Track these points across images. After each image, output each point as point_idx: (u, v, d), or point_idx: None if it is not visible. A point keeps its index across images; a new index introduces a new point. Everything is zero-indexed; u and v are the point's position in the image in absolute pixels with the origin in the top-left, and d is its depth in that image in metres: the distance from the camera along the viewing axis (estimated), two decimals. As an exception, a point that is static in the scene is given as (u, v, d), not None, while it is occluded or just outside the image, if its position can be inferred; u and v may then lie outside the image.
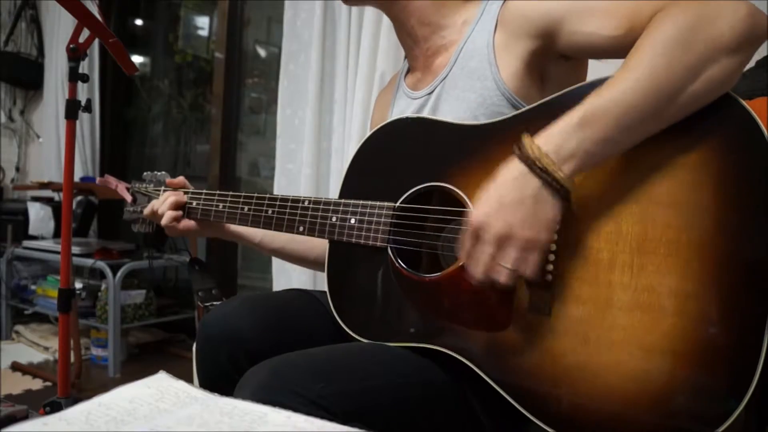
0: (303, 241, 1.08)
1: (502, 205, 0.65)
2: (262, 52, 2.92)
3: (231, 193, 1.01)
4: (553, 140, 0.64)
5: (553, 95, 0.73)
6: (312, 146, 1.92)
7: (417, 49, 0.96)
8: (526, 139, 0.65)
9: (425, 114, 0.92)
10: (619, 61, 0.72)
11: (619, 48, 0.72)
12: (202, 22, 3.27)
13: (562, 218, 0.68)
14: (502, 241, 0.65)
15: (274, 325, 0.90)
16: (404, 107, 0.97)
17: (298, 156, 1.99)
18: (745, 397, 0.57)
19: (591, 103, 0.64)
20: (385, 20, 1.74)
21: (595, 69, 0.84)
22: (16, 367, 2.45)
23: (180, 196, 1.06)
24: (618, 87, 0.64)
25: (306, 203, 0.91)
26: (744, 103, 0.63)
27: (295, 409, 0.46)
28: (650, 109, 0.63)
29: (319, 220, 0.89)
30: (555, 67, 0.83)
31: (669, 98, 0.63)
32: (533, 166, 0.64)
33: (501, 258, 0.66)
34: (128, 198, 1.16)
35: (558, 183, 0.64)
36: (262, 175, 2.82)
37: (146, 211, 1.08)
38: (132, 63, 1.52)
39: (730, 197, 0.62)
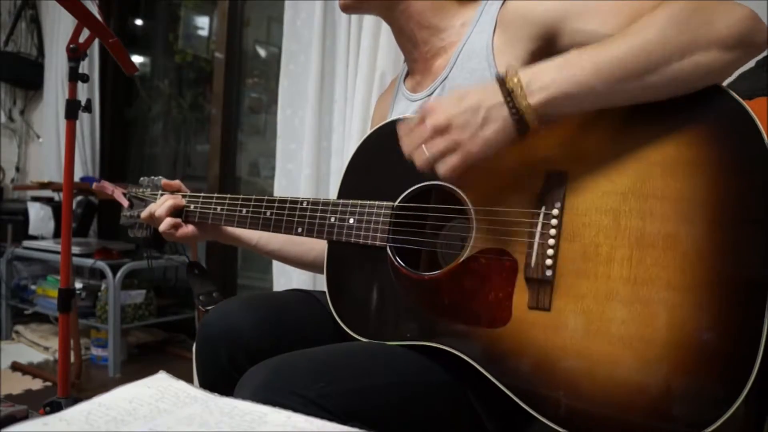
0: (300, 242, 1.08)
1: (456, 103, 0.68)
2: (262, 52, 2.92)
3: (229, 195, 1.01)
4: (530, 71, 0.67)
5: None
6: (312, 146, 1.92)
7: (416, 52, 0.96)
8: (508, 67, 0.68)
9: None
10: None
11: None
12: (202, 22, 3.27)
13: (561, 213, 0.69)
14: (436, 130, 0.68)
15: (274, 325, 0.90)
16: (404, 109, 0.97)
17: (298, 156, 1.99)
18: (744, 389, 0.58)
19: (575, 50, 0.67)
20: (385, 20, 1.74)
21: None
22: (16, 367, 2.45)
23: (178, 200, 1.05)
24: (606, 42, 0.66)
25: (304, 204, 0.91)
26: (740, 99, 0.64)
27: (295, 409, 0.46)
28: (632, 70, 0.65)
29: (317, 221, 0.89)
30: None
31: (653, 67, 0.64)
32: (502, 84, 0.66)
33: (427, 144, 0.68)
34: (125, 203, 1.15)
35: (517, 109, 0.65)
36: (262, 175, 2.82)
37: (144, 214, 1.07)
38: (132, 63, 1.52)
39: (728, 191, 0.63)
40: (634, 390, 0.63)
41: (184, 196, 1.07)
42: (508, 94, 0.66)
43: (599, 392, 0.65)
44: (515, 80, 0.66)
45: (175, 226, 1.04)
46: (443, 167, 0.68)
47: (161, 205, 1.05)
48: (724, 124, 0.64)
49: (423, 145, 0.69)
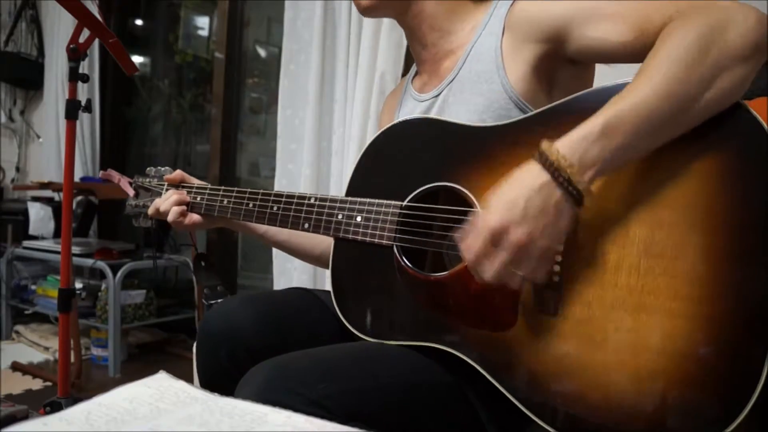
0: (308, 236, 1.07)
1: (526, 213, 0.63)
2: (262, 52, 2.92)
3: (236, 189, 1.01)
4: (576, 148, 0.63)
5: (561, 100, 0.73)
6: (312, 146, 1.91)
7: (425, 54, 0.96)
8: (548, 146, 0.64)
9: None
10: (626, 66, 0.72)
11: (628, 53, 0.72)
12: (202, 22, 3.27)
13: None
14: (522, 249, 0.64)
15: (275, 324, 0.90)
16: (411, 110, 0.97)
17: (298, 156, 1.99)
18: (751, 400, 0.57)
19: (612, 110, 0.64)
20: (386, 20, 1.74)
21: (603, 74, 0.84)
22: (16, 367, 2.45)
23: (182, 195, 1.06)
24: (637, 94, 0.64)
25: (312, 200, 0.91)
26: (751, 109, 0.63)
27: (296, 409, 0.46)
28: (667, 117, 0.63)
29: (324, 218, 0.89)
30: (562, 72, 0.82)
31: (685, 106, 0.63)
32: (557, 175, 0.63)
33: (515, 265, 0.65)
34: (131, 192, 1.16)
35: (579, 193, 0.63)
36: (262, 175, 2.82)
37: (150, 211, 1.08)
38: (132, 63, 1.52)
39: (737, 201, 0.62)
40: (637, 398, 0.62)
41: (189, 191, 1.07)
42: (568, 183, 0.63)
43: (601, 399, 0.64)
44: (565, 163, 0.62)
45: (183, 215, 1.05)
46: (540, 277, 0.66)
47: (166, 200, 1.06)
48: (734, 133, 0.64)
49: (513, 268, 0.65)
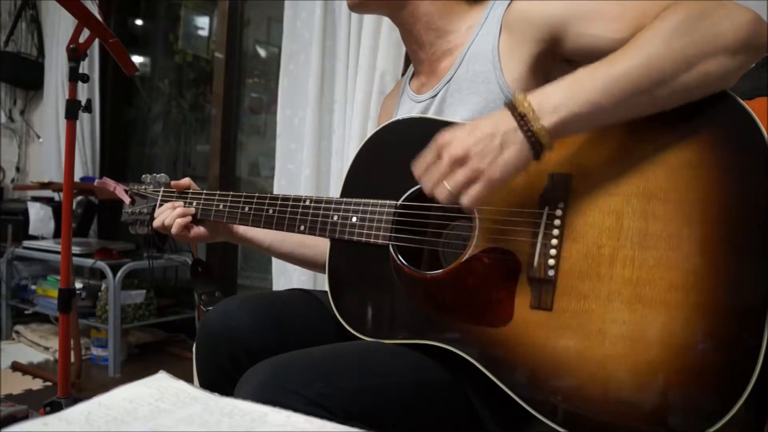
0: (313, 245, 1.08)
1: (471, 132, 0.67)
2: (262, 52, 2.92)
3: (232, 192, 1.01)
4: (539, 94, 0.66)
5: None
6: (312, 146, 1.91)
7: (422, 53, 0.96)
8: (517, 92, 0.68)
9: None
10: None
11: None
12: (202, 22, 3.27)
13: (565, 213, 0.69)
14: (455, 162, 0.67)
15: (274, 324, 0.90)
16: (408, 110, 0.98)
17: (298, 156, 1.99)
18: (745, 391, 0.58)
19: (583, 69, 0.67)
20: (386, 20, 1.73)
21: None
22: (16, 367, 2.45)
23: (187, 209, 1.05)
24: (612, 59, 0.66)
25: (307, 202, 0.91)
26: (742, 101, 0.64)
27: (295, 409, 0.46)
28: (641, 85, 0.64)
29: (320, 219, 0.89)
30: (559, 71, 0.82)
31: (661, 80, 0.64)
32: (514, 110, 0.66)
33: (448, 178, 0.67)
34: (126, 200, 1.16)
35: (532, 132, 0.65)
36: (262, 175, 2.82)
37: (156, 224, 1.07)
38: (132, 63, 1.52)
39: (731, 193, 0.63)
40: (635, 390, 0.63)
41: (185, 197, 1.07)
42: (521, 118, 0.65)
43: (599, 392, 0.65)
44: (526, 104, 0.65)
45: (187, 228, 1.05)
46: (467, 198, 0.67)
47: (169, 215, 1.05)
48: (727, 127, 0.65)
49: (444, 180, 0.67)
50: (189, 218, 1.05)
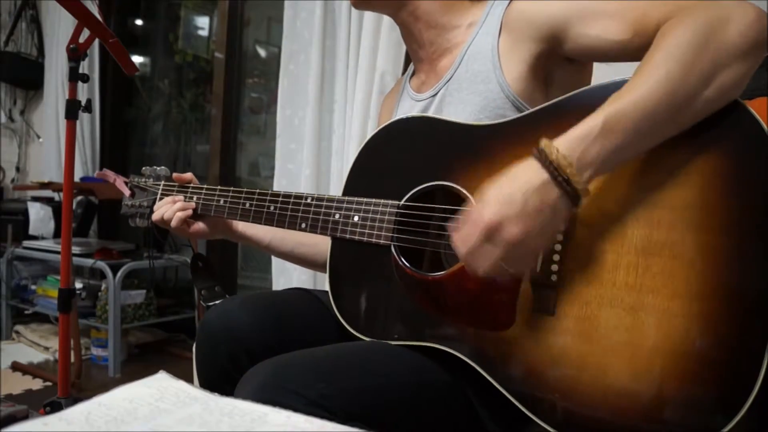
0: (313, 244, 1.08)
1: (522, 210, 0.63)
2: (262, 52, 2.92)
3: (232, 188, 1.01)
4: (576, 148, 0.63)
5: (559, 98, 0.73)
6: (312, 146, 1.91)
7: (422, 52, 0.96)
8: (547, 144, 0.63)
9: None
10: (624, 65, 0.72)
11: (625, 51, 0.72)
12: (202, 22, 3.27)
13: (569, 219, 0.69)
14: (515, 247, 0.64)
15: (274, 324, 0.90)
16: (408, 109, 0.97)
17: (298, 156, 1.99)
18: (749, 399, 0.57)
19: (611, 109, 0.63)
20: (386, 20, 1.74)
21: (601, 72, 0.84)
22: (16, 367, 2.45)
23: (188, 205, 1.04)
24: (636, 92, 0.63)
25: (309, 200, 0.91)
26: (750, 108, 0.63)
27: (296, 409, 0.46)
28: (666, 115, 0.63)
29: (321, 217, 0.89)
30: (559, 70, 0.82)
31: (684, 104, 0.63)
32: (556, 174, 0.63)
33: (507, 260, 0.65)
34: (126, 192, 1.15)
35: (576, 193, 0.63)
36: (262, 175, 2.82)
37: (155, 217, 1.06)
38: (132, 63, 1.52)
39: (735, 201, 0.62)
40: (636, 397, 0.62)
41: (185, 191, 1.07)
42: (566, 183, 0.63)
43: (600, 398, 0.64)
44: (564, 162, 0.62)
45: (187, 222, 1.04)
46: (527, 272, 0.69)
47: (169, 209, 1.04)
48: (733, 133, 0.64)
49: (503, 264, 0.65)
50: (189, 212, 1.04)
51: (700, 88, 0.62)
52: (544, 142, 0.64)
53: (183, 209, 1.04)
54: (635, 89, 0.64)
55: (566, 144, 0.63)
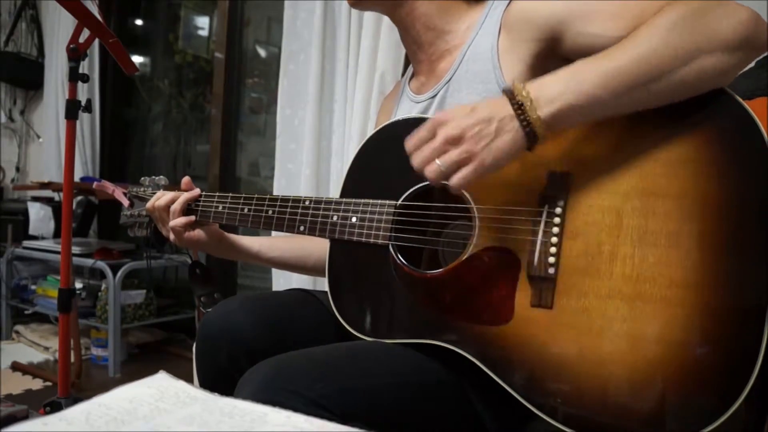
0: (300, 248, 1.08)
1: (468, 115, 0.67)
2: (262, 52, 2.92)
3: (231, 194, 1.01)
4: (537, 84, 0.67)
5: None
6: (312, 146, 1.91)
7: (421, 54, 0.96)
8: (516, 80, 0.68)
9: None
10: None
11: None
12: (202, 22, 3.27)
13: (564, 211, 0.69)
14: (448, 141, 0.67)
15: (274, 324, 0.90)
16: (407, 111, 0.98)
17: (298, 156, 1.99)
18: (745, 388, 0.58)
19: (581, 61, 0.67)
20: (386, 20, 1.74)
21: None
22: (16, 367, 2.45)
23: (189, 219, 1.01)
24: (610, 52, 0.67)
25: (307, 203, 0.91)
26: (741, 100, 0.64)
27: (295, 409, 0.46)
28: (638, 79, 0.65)
29: (320, 219, 0.89)
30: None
31: (658, 74, 0.64)
32: (512, 98, 0.66)
33: (440, 156, 0.67)
34: (125, 202, 1.15)
35: (528, 121, 0.66)
36: (262, 175, 2.82)
37: (153, 205, 1.03)
38: (132, 63, 1.52)
39: (730, 190, 0.63)
40: (635, 387, 0.63)
41: None
42: (519, 107, 0.66)
43: (600, 390, 0.65)
44: (524, 93, 0.66)
45: (185, 227, 1.00)
46: (457, 178, 0.67)
47: (176, 200, 1.00)
48: (726, 124, 0.65)
49: (436, 159, 0.68)
50: (192, 218, 1.01)
51: (679, 63, 0.64)
52: (515, 80, 0.69)
53: (186, 205, 1.01)
54: (611, 51, 0.67)
55: (535, 82, 0.67)
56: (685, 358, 0.61)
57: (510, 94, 0.67)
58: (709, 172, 0.64)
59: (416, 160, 0.69)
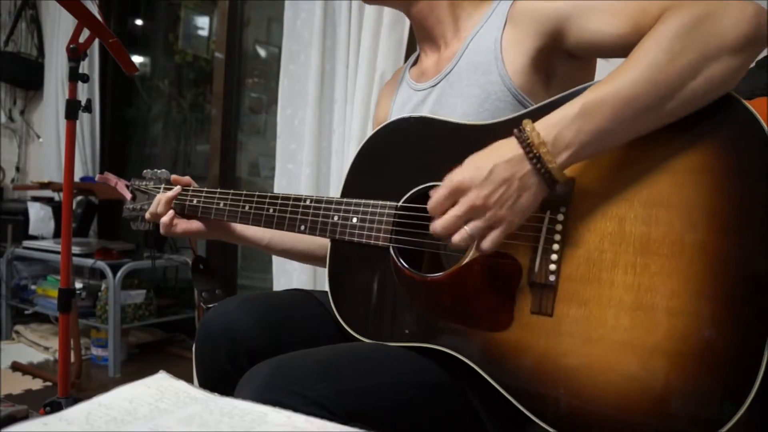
0: (311, 240, 1.08)
1: (489, 178, 0.66)
2: (262, 52, 2.92)
3: (232, 191, 1.01)
4: (552, 129, 0.65)
5: (559, 95, 0.73)
6: (312, 146, 1.92)
7: (431, 45, 0.98)
8: (528, 125, 0.66)
9: (425, 107, 0.93)
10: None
11: (625, 46, 0.72)
12: (202, 22, 3.27)
13: (566, 218, 0.69)
14: (473, 210, 0.66)
15: (274, 324, 0.90)
16: (406, 98, 0.98)
17: (298, 156, 1.99)
18: (747, 398, 0.57)
19: (590, 94, 0.65)
20: (386, 20, 1.74)
21: (604, 71, 0.84)
22: (16, 367, 2.45)
23: (173, 192, 1.05)
24: (618, 79, 0.65)
25: (308, 202, 0.91)
26: (748, 105, 0.63)
27: (296, 409, 0.46)
28: (649, 103, 0.64)
29: (320, 219, 0.89)
30: (561, 66, 0.83)
31: (669, 93, 0.63)
32: (528, 150, 0.65)
33: (467, 223, 0.67)
34: (128, 195, 1.15)
35: (549, 173, 0.65)
36: (262, 175, 2.82)
37: (147, 216, 1.07)
38: (132, 63, 1.52)
39: (733, 198, 0.62)
40: (636, 397, 0.62)
41: (186, 194, 1.07)
42: (537, 161, 0.65)
43: (600, 399, 0.64)
44: (539, 144, 0.64)
45: (173, 220, 1.04)
46: (486, 243, 0.67)
47: (159, 203, 1.05)
48: (732, 131, 0.63)
49: (463, 226, 0.67)
50: (172, 213, 1.04)
51: (687, 79, 0.62)
52: (526, 122, 0.66)
53: (171, 198, 1.04)
54: (618, 76, 0.65)
55: (545, 125, 0.65)
56: (687, 368, 0.60)
57: (525, 144, 0.65)
58: (714, 181, 0.62)
59: (439, 227, 0.68)
